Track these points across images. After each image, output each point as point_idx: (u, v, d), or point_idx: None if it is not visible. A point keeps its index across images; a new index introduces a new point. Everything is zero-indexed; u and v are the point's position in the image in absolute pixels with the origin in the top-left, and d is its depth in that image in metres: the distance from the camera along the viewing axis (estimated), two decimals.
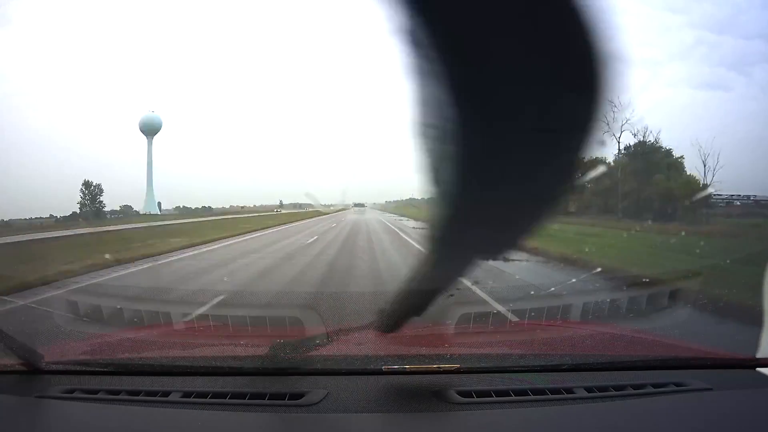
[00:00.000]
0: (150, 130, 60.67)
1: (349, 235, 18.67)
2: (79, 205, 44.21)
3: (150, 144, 61.24)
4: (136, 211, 55.02)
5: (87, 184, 44.49)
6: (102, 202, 45.64)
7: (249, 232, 21.24)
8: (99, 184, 45.02)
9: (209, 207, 58.56)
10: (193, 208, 57.90)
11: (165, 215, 50.73)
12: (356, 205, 67.43)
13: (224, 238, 17.72)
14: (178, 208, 57.79)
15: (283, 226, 25.79)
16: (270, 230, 23.06)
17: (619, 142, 33.16)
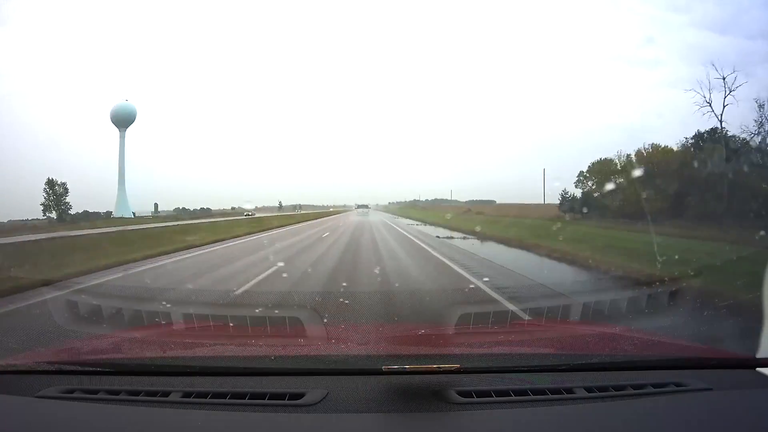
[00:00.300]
0: (122, 121, 52.81)
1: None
2: (42, 207, 39.13)
3: (122, 137, 53.28)
4: (132, 212, 52.49)
5: (51, 183, 39.60)
6: (68, 203, 40.46)
7: (157, 256, 11.96)
8: (64, 183, 40.13)
9: (208, 209, 57.38)
10: (192, 209, 56.76)
11: (140, 219, 44.59)
12: (359, 206, 61.91)
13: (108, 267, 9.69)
14: (177, 209, 56.58)
15: (221, 245, 15.58)
16: (186, 254, 12.89)
17: (721, 122, 22.29)
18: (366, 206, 61.80)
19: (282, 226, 28.58)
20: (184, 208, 56.35)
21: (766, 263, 2.22)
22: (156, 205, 55.73)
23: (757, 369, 1.82)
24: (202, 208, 57.19)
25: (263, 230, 24.49)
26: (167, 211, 54.70)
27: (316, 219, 43.80)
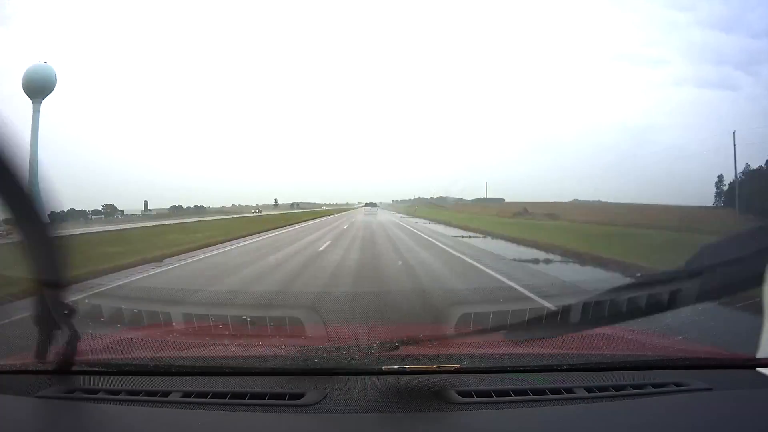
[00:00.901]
0: (36, 89, 36.99)
1: None
2: None
3: (36, 111, 36.70)
4: (120, 211, 47.50)
5: None
6: None
7: None
8: None
9: (202, 206, 56.02)
10: (185, 207, 55.35)
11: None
12: (367, 204, 53.19)
13: None
14: (173, 207, 55.16)
15: None
16: None
17: None
18: (374, 204, 54.31)
19: (278, 227, 20.09)
20: (179, 206, 55.20)
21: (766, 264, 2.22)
22: (146, 203, 53.00)
23: (757, 369, 1.82)
24: (196, 206, 55.91)
25: (257, 232, 19.05)
26: (161, 209, 52.82)
27: (321, 217, 33.57)
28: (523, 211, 30.49)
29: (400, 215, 42.42)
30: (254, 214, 50.28)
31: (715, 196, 24.04)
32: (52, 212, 1.55)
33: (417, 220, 34.03)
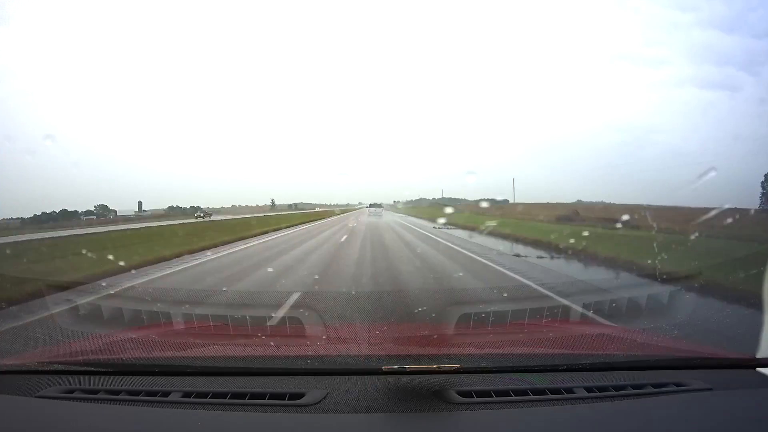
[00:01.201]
0: None
1: None
2: None
3: None
4: (114, 211, 47.18)
5: None
6: None
7: None
8: None
9: (198, 207, 55.28)
10: (183, 207, 54.39)
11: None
12: (371, 205, 48.61)
13: None
14: (171, 207, 54.63)
15: None
16: None
17: None
18: (379, 205, 47.73)
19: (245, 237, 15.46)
20: (177, 207, 54.46)
21: (767, 263, 2.22)
22: (140, 204, 51.79)
23: (757, 369, 1.82)
24: (192, 207, 55.04)
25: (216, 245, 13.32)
26: (157, 209, 51.83)
27: (308, 222, 25.38)
28: (574, 214, 21.94)
29: (432, 225, 24.98)
30: (200, 220, 36.35)
31: (761, 197, 19.97)
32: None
33: (474, 237, 17.38)
